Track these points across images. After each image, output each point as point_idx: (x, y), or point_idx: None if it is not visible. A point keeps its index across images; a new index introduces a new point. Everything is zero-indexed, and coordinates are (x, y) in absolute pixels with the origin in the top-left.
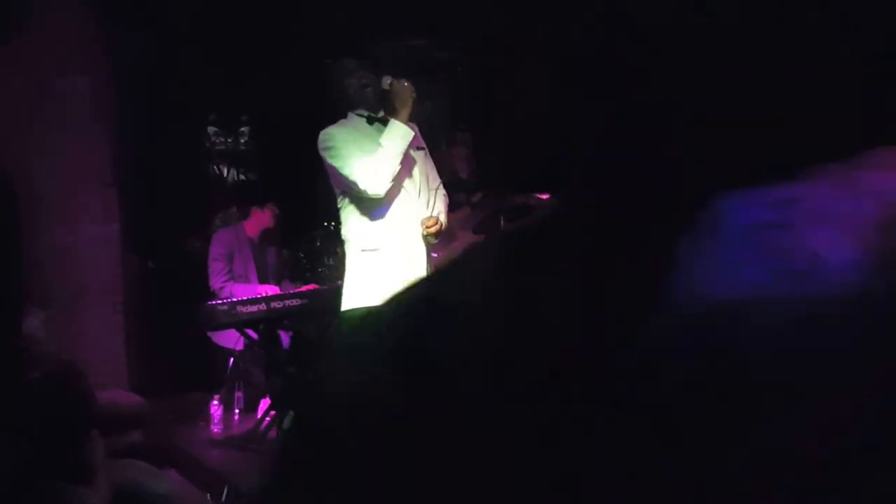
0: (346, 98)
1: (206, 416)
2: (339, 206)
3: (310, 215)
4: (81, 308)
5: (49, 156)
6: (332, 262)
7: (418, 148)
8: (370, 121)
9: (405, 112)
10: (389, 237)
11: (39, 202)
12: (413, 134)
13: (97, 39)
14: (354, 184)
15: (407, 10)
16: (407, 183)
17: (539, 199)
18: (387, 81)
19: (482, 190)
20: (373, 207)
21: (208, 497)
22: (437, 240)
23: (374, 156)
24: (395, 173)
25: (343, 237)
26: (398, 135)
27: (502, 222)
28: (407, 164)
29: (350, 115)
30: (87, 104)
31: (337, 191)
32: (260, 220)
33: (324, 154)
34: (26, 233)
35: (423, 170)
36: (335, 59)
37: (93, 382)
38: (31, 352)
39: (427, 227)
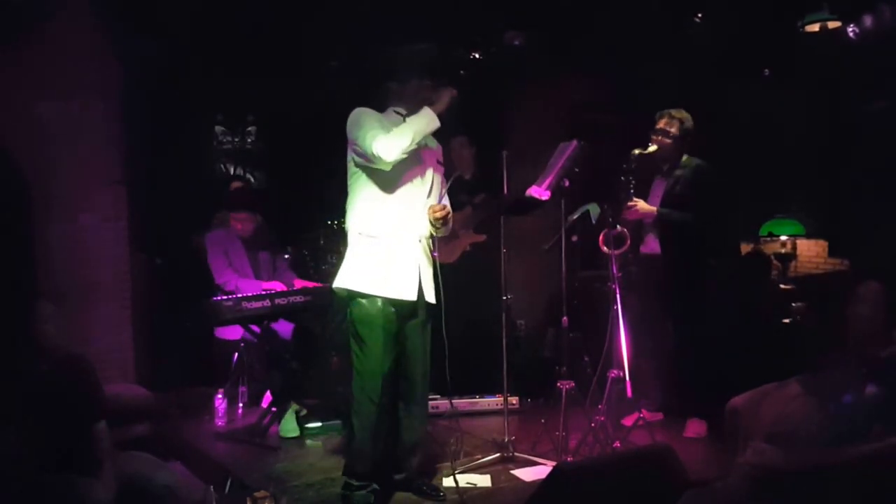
0: (397, 96)
1: (211, 410)
2: (349, 187)
3: (314, 214)
4: (90, 303)
5: (60, 155)
6: (334, 261)
7: (438, 162)
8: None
9: (441, 105)
10: (390, 227)
11: (50, 200)
12: (439, 125)
13: (108, 42)
14: (367, 148)
15: (411, 13)
16: (418, 182)
17: (538, 197)
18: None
19: (484, 190)
20: (380, 195)
21: (211, 489)
22: (442, 226)
23: (396, 130)
24: (408, 149)
25: (347, 220)
26: (425, 116)
27: (502, 221)
28: (423, 165)
29: (389, 110)
30: (97, 105)
31: (350, 170)
32: (241, 222)
33: (349, 128)
34: (37, 229)
35: (437, 182)
36: (408, 56)
37: (100, 376)
38: (41, 345)
39: (434, 212)
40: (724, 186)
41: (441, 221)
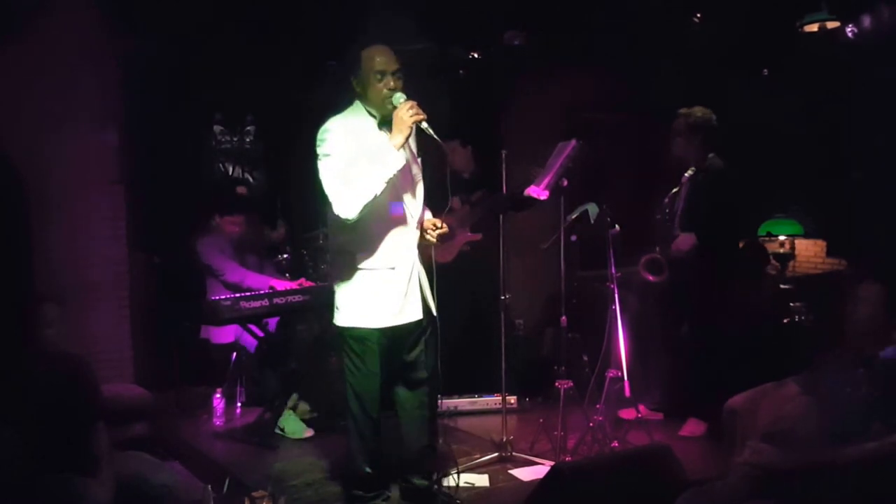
0: (364, 96)
1: (209, 410)
2: (328, 219)
3: (312, 214)
4: (88, 303)
5: (58, 155)
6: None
7: (417, 155)
8: (379, 125)
9: (399, 138)
10: (384, 257)
11: (48, 199)
12: (405, 161)
13: (106, 40)
14: (331, 203)
15: (410, 14)
16: (408, 199)
17: (537, 197)
18: (399, 99)
19: (481, 189)
20: (369, 225)
21: (210, 488)
22: (440, 243)
23: (356, 183)
24: (372, 200)
25: (335, 248)
26: (384, 159)
27: (501, 221)
28: (410, 178)
29: (358, 104)
30: (95, 104)
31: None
32: (227, 228)
33: (317, 151)
34: (35, 229)
35: (421, 186)
36: (366, 51)
37: (99, 375)
38: (40, 345)
39: (432, 232)
40: (741, 191)
41: (439, 238)
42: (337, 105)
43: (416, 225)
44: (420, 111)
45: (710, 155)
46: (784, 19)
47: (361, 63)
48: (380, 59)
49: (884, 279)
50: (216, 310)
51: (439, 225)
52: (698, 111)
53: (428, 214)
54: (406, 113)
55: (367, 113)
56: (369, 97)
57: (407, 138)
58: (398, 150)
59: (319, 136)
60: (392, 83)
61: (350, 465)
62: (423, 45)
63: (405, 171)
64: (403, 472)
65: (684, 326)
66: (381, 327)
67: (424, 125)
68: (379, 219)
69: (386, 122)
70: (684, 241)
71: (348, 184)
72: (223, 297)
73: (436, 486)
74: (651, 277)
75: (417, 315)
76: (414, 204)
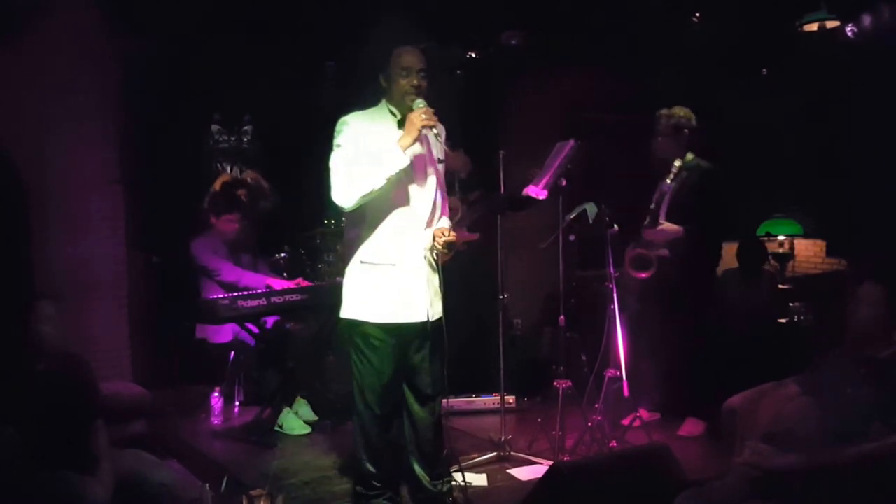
0: (388, 91)
1: (207, 409)
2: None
3: (310, 213)
4: (87, 302)
5: (57, 154)
6: (331, 260)
7: (440, 161)
8: (400, 124)
9: (407, 139)
10: (393, 252)
11: (48, 199)
12: (408, 162)
13: (106, 40)
14: (330, 186)
15: (408, 13)
16: (419, 194)
17: (535, 197)
18: (419, 104)
19: (479, 188)
20: (379, 219)
21: (207, 487)
22: (449, 252)
23: (357, 174)
24: (369, 196)
25: (346, 241)
26: (391, 164)
27: (499, 220)
28: (423, 173)
29: (383, 103)
30: (94, 103)
31: None
32: (224, 227)
33: (333, 141)
34: (35, 228)
35: (439, 183)
36: (397, 49)
37: (98, 374)
38: (39, 344)
39: (440, 240)
40: (731, 191)
41: (446, 247)
42: (337, 103)
43: (424, 226)
44: (433, 119)
45: (690, 155)
46: (784, 19)
47: (391, 60)
48: (407, 57)
49: (884, 280)
50: (214, 309)
51: (447, 234)
52: (680, 111)
53: (445, 222)
54: (418, 117)
55: (389, 112)
56: (393, 92)
57: (414, 141)
58: (404, 151)
59: (337, 126)
60: (416, 81)
61: (355, 461)
62: (422, 45)
63: (418, 171)
64: (415, 480)
65: (682, 326)
66: (382, 323)
67: (435, 131)
68: (387, 215)
69: (403, 123)
70: (669, 230)
71: (349, 174)
72: (221, 296)
73: (446, 493)
74: (639, 274)
75: (420, 317)
76: (424, 205)
